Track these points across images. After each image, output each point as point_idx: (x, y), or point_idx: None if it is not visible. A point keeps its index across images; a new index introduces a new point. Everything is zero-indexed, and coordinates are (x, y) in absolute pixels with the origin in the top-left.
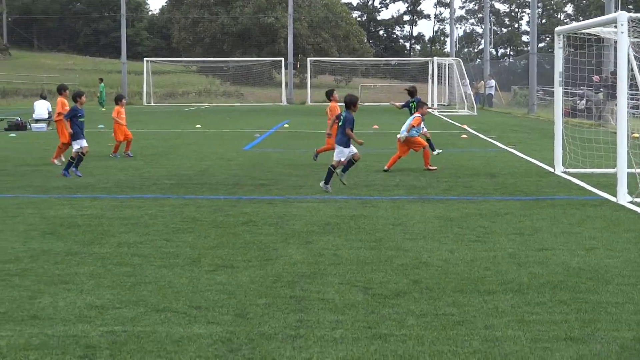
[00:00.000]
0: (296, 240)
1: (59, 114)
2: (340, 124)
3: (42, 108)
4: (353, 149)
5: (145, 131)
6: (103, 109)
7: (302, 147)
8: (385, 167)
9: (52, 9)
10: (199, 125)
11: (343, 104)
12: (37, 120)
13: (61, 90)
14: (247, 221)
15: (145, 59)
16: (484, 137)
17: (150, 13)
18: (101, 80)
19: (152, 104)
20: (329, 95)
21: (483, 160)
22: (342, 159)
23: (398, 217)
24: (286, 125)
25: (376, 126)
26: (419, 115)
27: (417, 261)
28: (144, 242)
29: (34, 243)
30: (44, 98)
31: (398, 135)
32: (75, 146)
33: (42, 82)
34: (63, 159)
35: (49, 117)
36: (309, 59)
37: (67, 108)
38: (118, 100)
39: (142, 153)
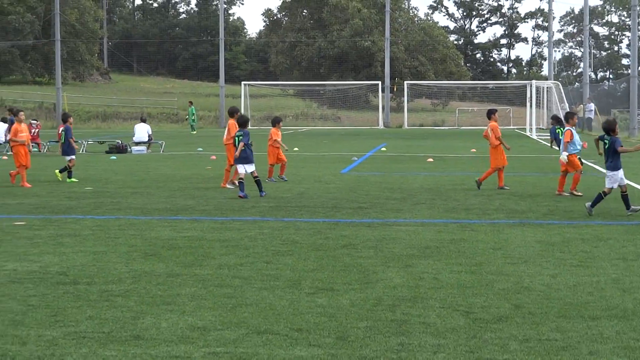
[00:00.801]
0: (396, 264)
1: (229, 137)
2: (607, 147)
3: (142, 131)
4: (619, 175)
5: None
6: (194, 132)
7: (459, 169)
8: (557, 192)
9: (151, 34)
10: (296, 149)
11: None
12: (137, 143)
13: (233, 113)
14: (347, 244)
15: (242, 82)
16: (584, 161)
17: (248, 37)
18: (191, 103)
19: (249, 127)
20: (490, 114)
21: (583, 184)
22: (614, 186)
23: (498, 241)
24: (383, 149)
25: (474, 150)
26: (569, 128)
27: (519, 286)
28: (244, 264)
29: (136, 264)
30: (144, 121)
31: (560, 157)
32: (240, 169)
33: (142, 105)
34: (236, 182)
35: (149, 140)
36: (405, 82)
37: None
38: (276, 122)
39: None
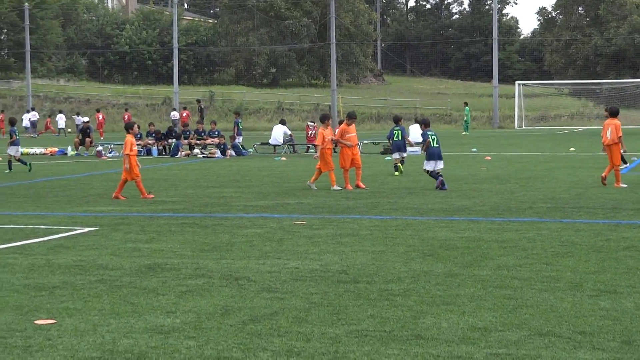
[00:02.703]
0: None
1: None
2: None
3: (416, 132)
4: None
5: (519, 154)
6: (464, 133)
7: None
8: None
9: (424, 35)
10: (572, 149)
11: None
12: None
13: (615, 112)
14: (629, 246)
15: (516, 82)
16: None
17: (522, 36)
18: (466, 104)
19: (523, 127)
20: None
21: None
22: None
23: None
24: None
25: None
26: None
27: None
28: (523, 265)
29: (415, 264)
30: (418, 122)
31: None
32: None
33: (415, 106)
34: None
35: (423, 141)
36: None
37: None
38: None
39: (516, 176)
